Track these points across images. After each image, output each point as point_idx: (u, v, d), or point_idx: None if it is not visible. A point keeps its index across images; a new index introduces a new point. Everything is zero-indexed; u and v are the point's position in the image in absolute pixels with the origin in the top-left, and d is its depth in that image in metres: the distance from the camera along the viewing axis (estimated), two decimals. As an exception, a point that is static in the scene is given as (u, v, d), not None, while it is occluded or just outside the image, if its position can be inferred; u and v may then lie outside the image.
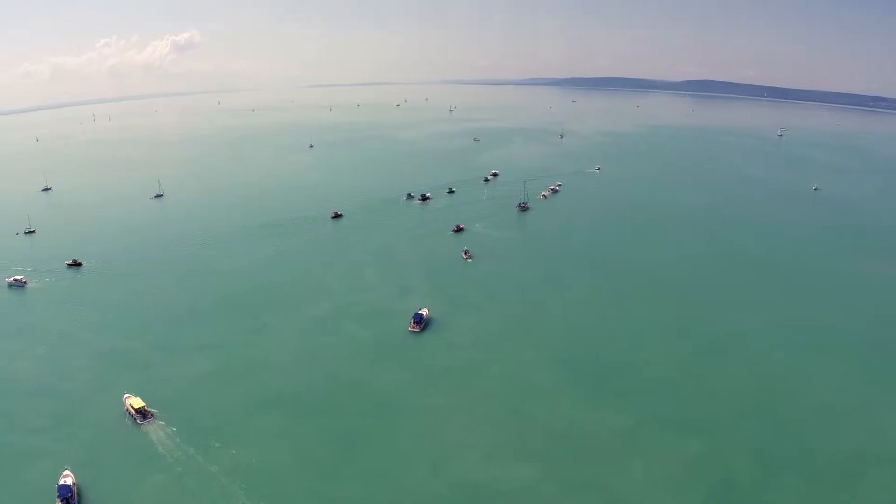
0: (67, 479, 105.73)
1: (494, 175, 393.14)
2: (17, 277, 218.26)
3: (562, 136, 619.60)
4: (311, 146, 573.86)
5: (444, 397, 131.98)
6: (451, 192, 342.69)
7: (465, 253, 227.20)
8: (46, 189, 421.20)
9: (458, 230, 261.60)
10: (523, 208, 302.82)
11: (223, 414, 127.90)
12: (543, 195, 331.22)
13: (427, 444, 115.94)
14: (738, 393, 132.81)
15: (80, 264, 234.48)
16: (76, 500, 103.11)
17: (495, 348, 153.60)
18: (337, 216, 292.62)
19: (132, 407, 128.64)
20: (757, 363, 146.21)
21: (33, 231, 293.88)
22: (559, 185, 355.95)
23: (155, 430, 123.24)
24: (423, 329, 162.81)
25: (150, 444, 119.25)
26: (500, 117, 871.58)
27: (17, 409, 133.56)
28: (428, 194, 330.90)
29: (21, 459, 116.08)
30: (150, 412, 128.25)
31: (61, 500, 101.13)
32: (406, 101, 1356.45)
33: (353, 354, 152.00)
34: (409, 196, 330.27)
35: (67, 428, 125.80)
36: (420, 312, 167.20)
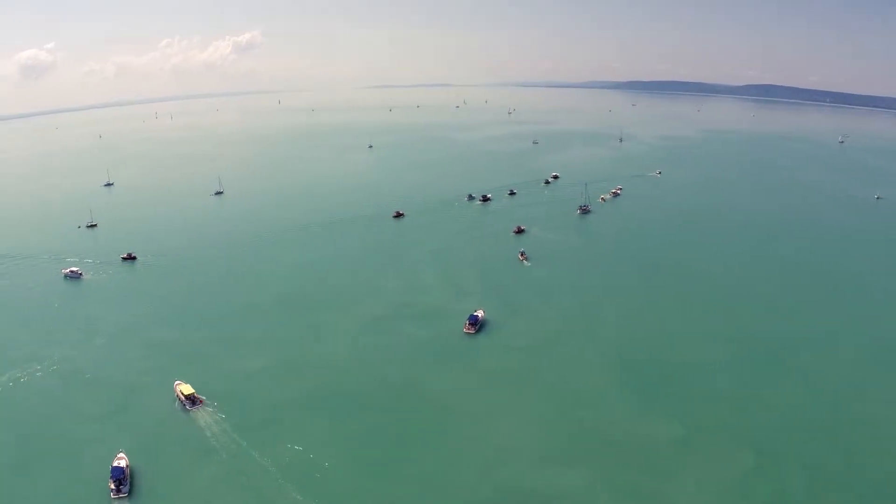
0: (121, 461, 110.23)
1: (555, 177, 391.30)
2: (73, 269, 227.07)
3: (621, 140, 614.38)
4: (371, 146, 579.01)
5: (497, 400, 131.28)
6: (512, 193, 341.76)
7: (522, 255, 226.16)
8: (109, 184, 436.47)
9: (519, 231, 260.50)
10: (584, 211, 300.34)
11: (277, 409, 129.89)
12: (602, 198, 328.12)
13: (478, 447, 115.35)
14: (795, 406, 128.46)
15: (134, 258, 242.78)
16: (128, 481, 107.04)
17: (550, 352, 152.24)
18: (399, 215, 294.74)
19: (182, 393, 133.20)
20: (814, 376, 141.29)
21: (95, 225, 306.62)
22: (620, 189, 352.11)
23: (203, 415, 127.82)
24: (478, 331, 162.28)
25: (199, 430, 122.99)
26: (559, 120, 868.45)
27: (76, 397, 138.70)
28: (489, 195, 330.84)
29: (78, 443, 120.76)
30: (199, 399, 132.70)
31: (114, 481, 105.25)
32: (465, 102, 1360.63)
33: (408, 355, 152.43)
34: (471, 197, 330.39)
35: (123, 414, 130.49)
36: (475, 314, 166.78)
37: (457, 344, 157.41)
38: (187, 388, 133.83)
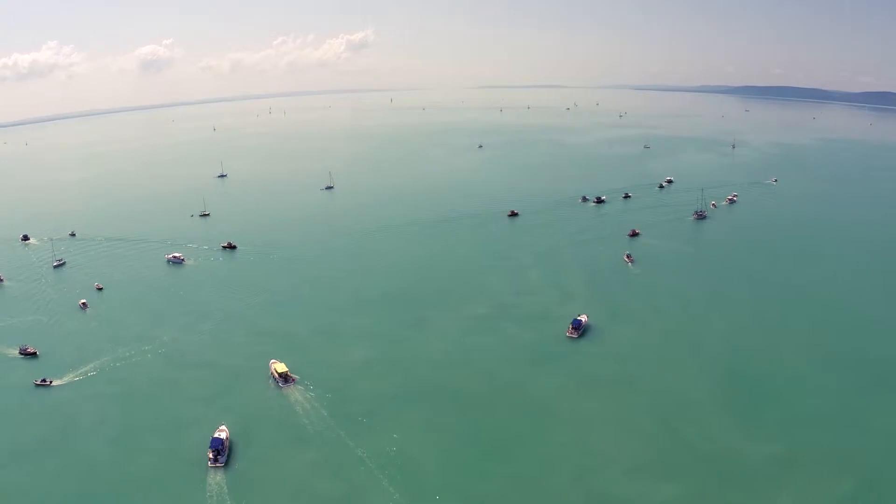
0: (222, 433, 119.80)
1: (669, 182, 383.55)
2: (176, 255, 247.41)
3: (734, 146, 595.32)
4: (481, 146, 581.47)
5: (595, 406, 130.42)
6: (626, 196, 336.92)
7: (628, 257, 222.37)
8: (222, 176, 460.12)
9: (634, 235, 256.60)
10: (700, 216, 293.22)
11: (376, 400, 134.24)
12: (713, 204, 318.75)
13: (572, 452, 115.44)
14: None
15: (234, 247, 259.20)
16: (226, 452, 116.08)
17: (651, 361, 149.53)
18: (513, 215, 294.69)
19: (276, 371, 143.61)
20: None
21: (207, 214, 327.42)
22: (736, 196, 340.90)
23: (294, 392, 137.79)
24: (581, 335, 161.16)
25: (294, 413, 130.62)
26: (670, 125, 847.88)
27: (182, 376, 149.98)
28: (603, 197, 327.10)
29: (180, 416, 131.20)
30: (292, 377, 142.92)
31: (212, 451, 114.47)
32: (576, 104, 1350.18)
33: (509, 356, 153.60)
34: (585, 199, 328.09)
35: (222, 391, 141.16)
36: (579, 318, 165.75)
37: (559, 348, 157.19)
38: (281, 367, 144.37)
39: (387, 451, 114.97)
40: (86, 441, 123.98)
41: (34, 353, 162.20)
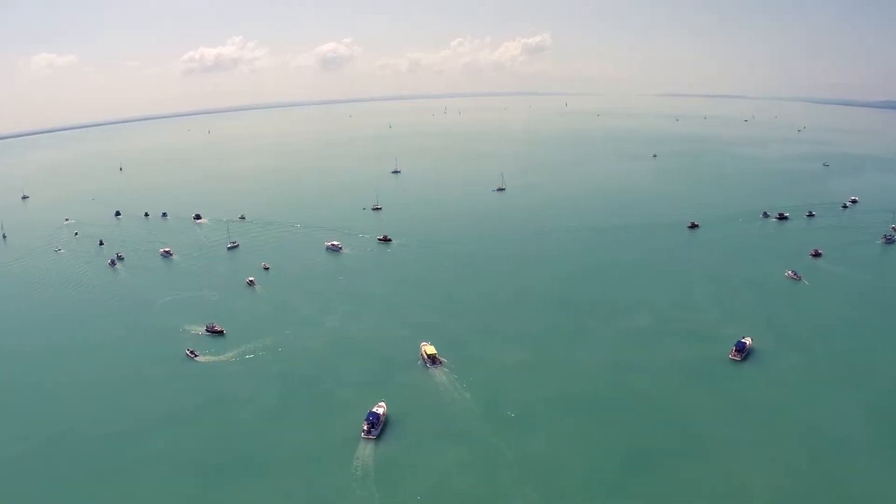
0: (380, 409, 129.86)
1: (853, 202, 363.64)
2: (335, 242, 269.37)
3: None
4: (655, 155, 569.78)
5: (746, 434, 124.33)
6: (810, 215, 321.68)
7: (794, 273, 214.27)
8: (396, 172, 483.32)
9: (816, 255, 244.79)
10: (889, 241, 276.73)
11: (526, 404, 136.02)
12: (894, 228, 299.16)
13: (715, 478, 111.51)
14: None
15: (389, 240, 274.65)
16: (380, 426, 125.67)
17: (813, 392, 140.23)
18: (693, 226, 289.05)
19: (426, 353, 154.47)
20: None
21: (380, 208, 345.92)
22: None
23: (440, 375, 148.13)
24: (743, 359, 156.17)
25: (439, 392, 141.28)
26: (851, 141, 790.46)
27: (345, 359, 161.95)
28: (786, 214, 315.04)
29: (342, 396, 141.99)
30: (440, 360, 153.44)
31: (367, 423, 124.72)
32: (754, 116, 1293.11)
33: (665, 373, 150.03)
34: (766, 214, 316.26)
35: (380, 377, 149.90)
36: (743, 341, 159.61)
37: (719, 369, 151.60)
38: (431, 349, 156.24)
39: (532, 456, 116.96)
40: (243, 412, 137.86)
41: (221, 332, 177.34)
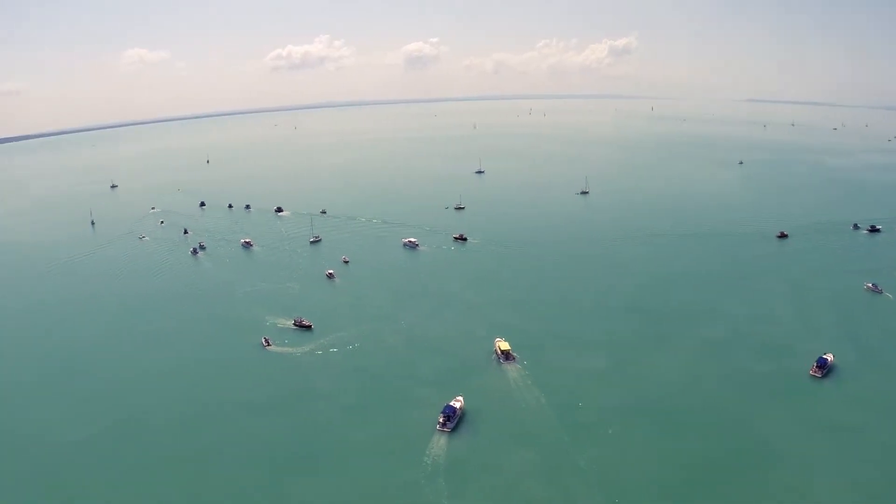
0: (457, 402, 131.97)
1: None
2: (412, 239, 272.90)
3: None
4: (741, 163, 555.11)
5: (824, 453, 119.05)
6: None
7: (874, 286, 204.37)
8: (480, 172, 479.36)
9: None
10: None
11: (600, 410, 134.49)
12: None
13: (788, 496, 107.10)
14: None
15: (465, 239, 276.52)
16: (456, 419, 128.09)
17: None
18: (782, 236, 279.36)
19: (500, 348, 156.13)
20: None
21: (462, 208, 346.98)
22: None
23: (512, 370, 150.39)
24: (825, 375, 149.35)
25: (511, 390, 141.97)
26: None
27: (421, 356, 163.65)
28: (878, 226, 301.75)
29: (417, 391, 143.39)
30: (513, 356, 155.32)
31: (443, 416, 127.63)
32: (844, 124, 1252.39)
33: (744, 386, 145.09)
34: (856, 226, 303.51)
35: (456, 374, 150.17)
36: (825, 357, 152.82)
37: (800, 385, 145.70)
38: (504, 345, 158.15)
39: (604, 464, 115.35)
40: (320, 403, 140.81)
41: (309, 326, 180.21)
